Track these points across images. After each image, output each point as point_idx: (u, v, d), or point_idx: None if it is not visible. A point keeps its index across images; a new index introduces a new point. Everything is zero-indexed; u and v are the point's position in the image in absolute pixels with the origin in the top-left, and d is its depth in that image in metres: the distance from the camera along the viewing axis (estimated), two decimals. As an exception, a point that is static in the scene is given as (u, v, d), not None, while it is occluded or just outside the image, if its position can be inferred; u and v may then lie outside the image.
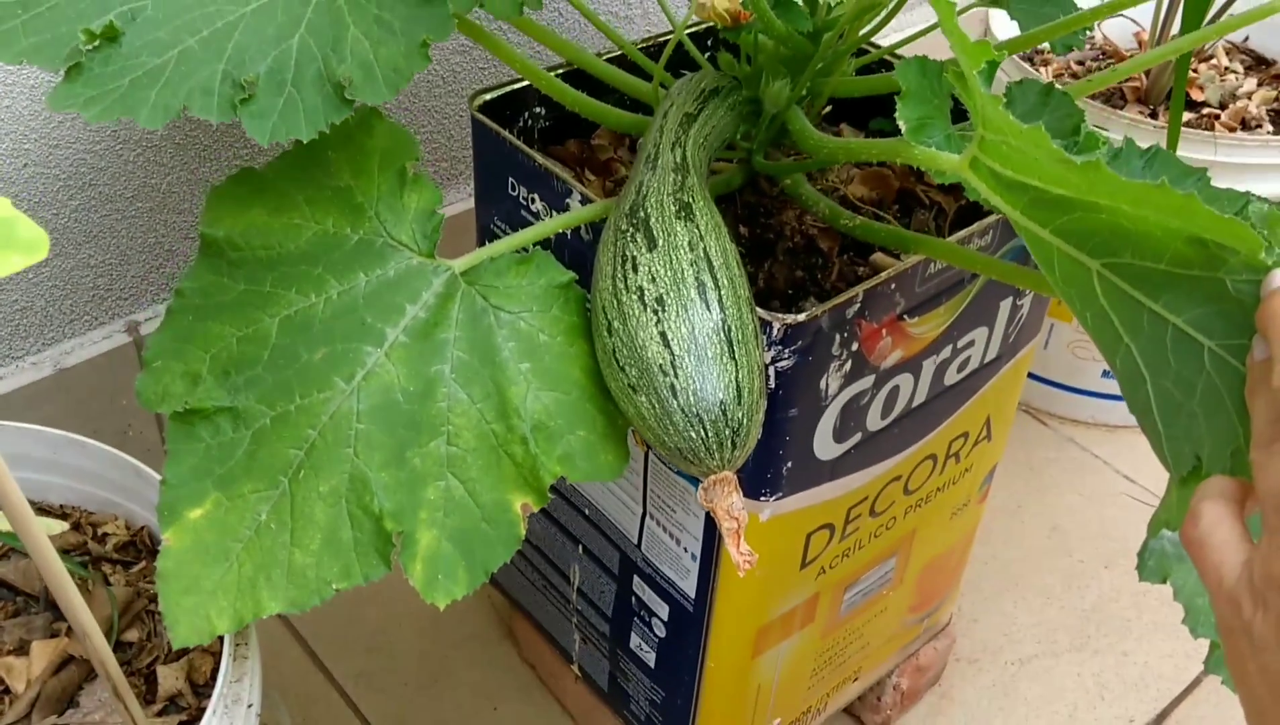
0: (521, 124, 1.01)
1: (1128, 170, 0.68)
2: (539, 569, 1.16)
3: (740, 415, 0.68)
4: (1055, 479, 1.53)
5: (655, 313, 0.69)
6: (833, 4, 0.87)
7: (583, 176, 1.01)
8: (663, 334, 0.69)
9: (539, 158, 0.89)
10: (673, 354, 0.68)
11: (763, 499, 0.86)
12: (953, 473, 1.04)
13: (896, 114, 0.73)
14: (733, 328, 0.70)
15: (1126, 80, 1.49)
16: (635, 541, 0.98)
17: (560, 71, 1.01)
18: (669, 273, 0.70)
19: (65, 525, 0.81)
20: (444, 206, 1.40)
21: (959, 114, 0.79)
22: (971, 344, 0.94)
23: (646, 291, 0.70)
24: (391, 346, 0.70)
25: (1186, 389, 0.59)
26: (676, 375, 0.68)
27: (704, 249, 0.71)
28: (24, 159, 1.09)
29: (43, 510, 0.93)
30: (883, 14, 0.87)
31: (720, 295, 0.70)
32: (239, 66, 0.67)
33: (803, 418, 0.83)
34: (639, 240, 0.72)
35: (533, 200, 0.92)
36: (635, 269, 0.71)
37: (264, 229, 0.72)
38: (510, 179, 0.93)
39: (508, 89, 0.97)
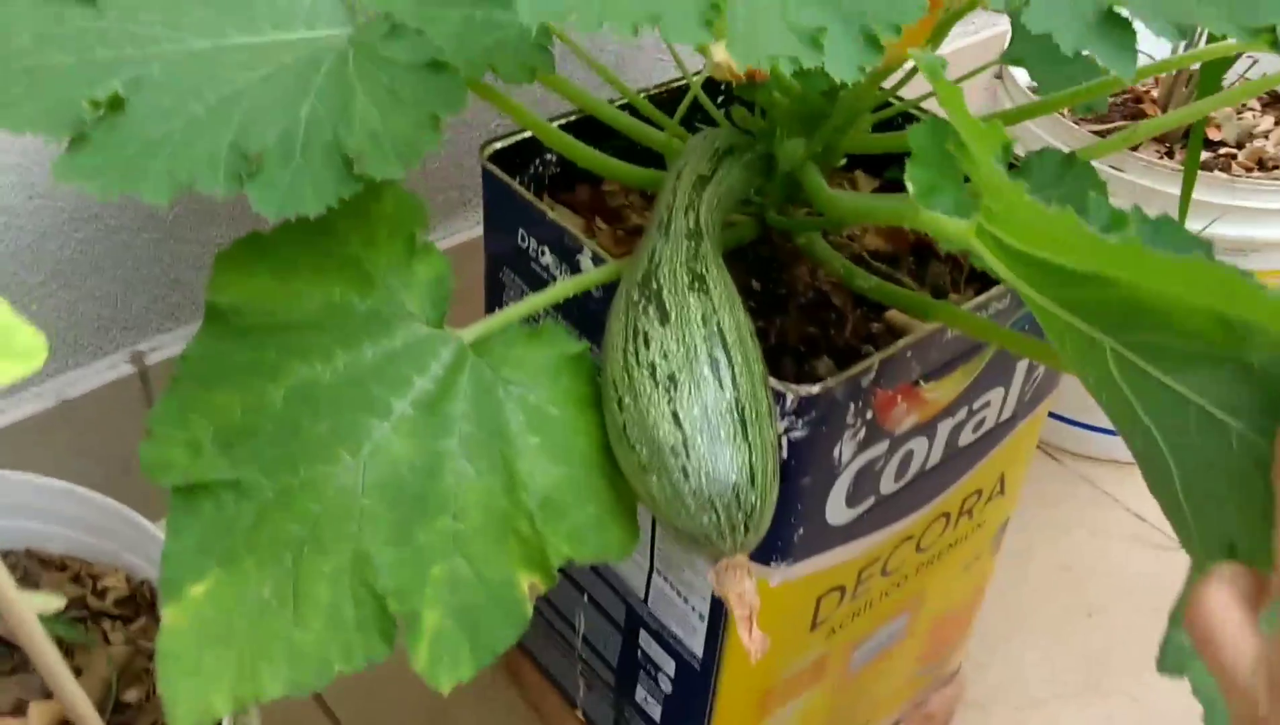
0: (532, 170, 0.99)
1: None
2: (544, 613, 1.14)
3: (754, 499, 0.67)
4: (1066, 517, 1.51)
5: (667, 391, 0.68)
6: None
7: (593, 225, 1.00)
8: (674, 414, 0.67)
9: (550, 212, 0.88)
10: (685, 435, 0.67)
11: (773, 565, 0.84)
12: (965, 529, 1.03)
13: (905, 176, 0.72)
14: (746, 407, 0.68)
15: (1144, 118, 1.48)
16: (641, 596, 0.97)
17: (572, 118, 1.00)
18: (681, 349, 0.69)
19: (59, 603, 0.80)
20: (453, 235, 1.39)
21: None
22: (987, 405, 0.93)
23: (659, 368, 0.68)
24: (398, 420, 0.69)
25: (1214, 473, 0.58)
26: (688, 457, 0.67)
27: (717, 323, 0.70)
28: (29, 191, 1.08)
29: (43, 562, 0.92)
30: (903, 72, 0.86)
31: (734, 372, 0.69)
32: (247, 136, 0.66)
33: (815, 486, 0.82)
34: (651, 313, 0.71)
35: (542, 252, 0.90)
36: (647, 344, 0.69)
37: (270, 296, 0.71)
38: (520, 230, 0.92)
39: (518, 137, 0.96)
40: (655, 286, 0.72)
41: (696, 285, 0.72)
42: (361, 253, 0.71)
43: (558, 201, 1.01)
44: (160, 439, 0.70)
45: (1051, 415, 1.56)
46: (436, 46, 0.67)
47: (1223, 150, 1.45)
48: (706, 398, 0.68)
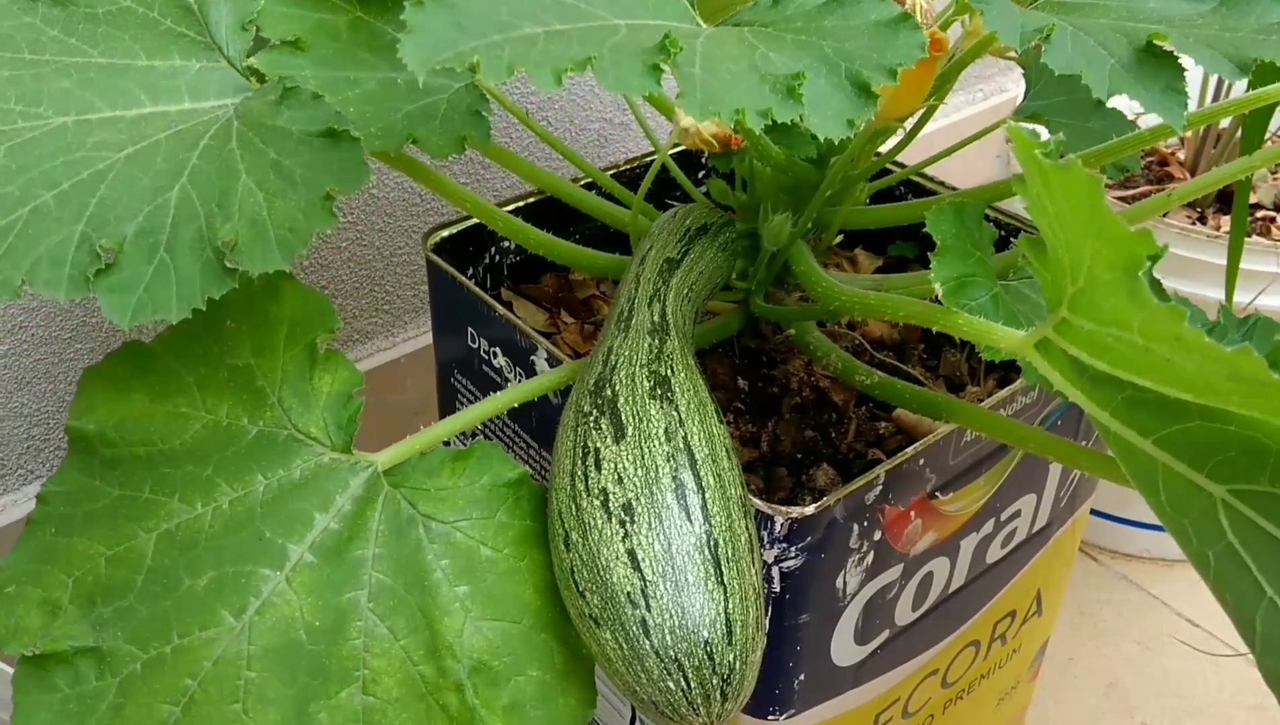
0: (488, 260, 0.88)
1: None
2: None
3: (731, 658, 0.54)
4: (1110, 624, 1.36)
5: (623, 525, 0.55)
6: (842, 123, 0.74)
7: (558, 319, 0.88)
8: (631, 553, 0.54)
9: (499, 308, 0.76)
10: (644, 579, 0.54)
11: (771, 719, 0.71)
12: (998, 656, 0.89)
13: (931, 274, 0.60)
14: (720, 542, 0.55)
15: (1169, 182, 1.36)
16: (625, 746, 0.83)
17: (532, 200, 0.88)
18: (639, 471, 0.56)
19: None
20: (414, 336, 1.28)
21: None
22: (1017, 515, 0.79)
23: (612, 496, 0.56)
24: (294, 569, 0.56)
25: None
26: (649, 607, 0.53)
27: (684, 438, 0.57)
28: (-67, 304, 0.97)
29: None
30: (902, 135, 0.74)
31: (704, 498, 0.56)
32: (101, 227, 0.54)
33: (816, 623, 0.68)
34: (604, 427, 0.58)
35: (494, 354, 0.78)
36: (599, 466, 0.57)
37: (144, 420, 0.59)
38: (470, 329, 0.80)
39: (470, 222, 0.84)
40: (610, 394, 0.59)
41: (659, 392, 0.59)
42: (254, 363, 0.59)
43: (519, 293, 0.89)
44: (10, 599, 0.57)
45: (1090, 511, 1.42)
46: (334, 114, 0.56)
47: (1260, 214, 1.32)
48: (670, 532, 0.55)
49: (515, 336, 0.75)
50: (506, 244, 0.88)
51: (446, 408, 0.87)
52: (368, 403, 1.24)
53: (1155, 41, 0.53)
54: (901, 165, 0.86)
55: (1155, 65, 0.53)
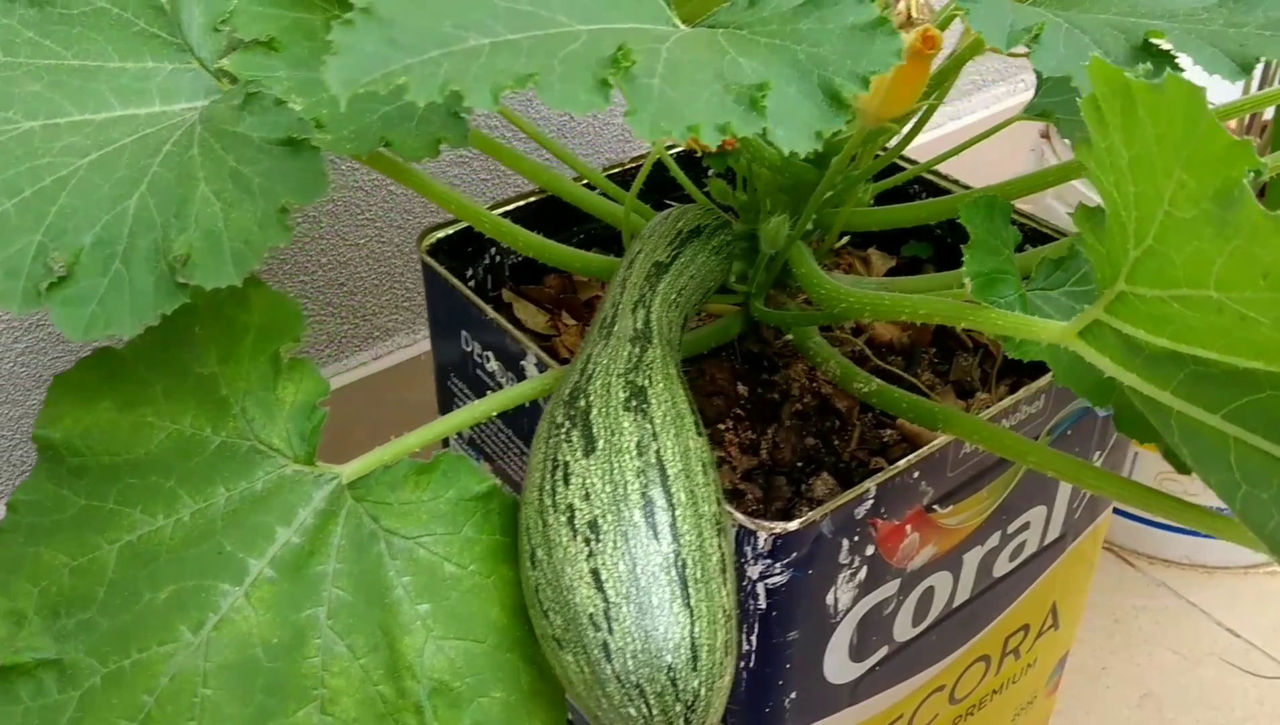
0: (488, 260, 0.86)
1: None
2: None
3: (696, 684, 0.52)
4: (1145, 632, 1.32)
5: (587, 543, 0.53)
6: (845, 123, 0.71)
7: (560, 321, 0.86)
8: (595, 573, 0.52)
9: (489, 311, 0.74)
10: (607, 601, 0.52)
11: (760, 737, 0.69)
12: (1012, 671, 0.86)
13: (964, 270, 0.58)
14: (689, 562, 0.53)
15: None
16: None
17: (534, 199, 0.87)
18: (608, 487, 0.54)
19: None
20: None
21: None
22: (1026, 527, 0.76)
23: (578, 512, 0.54)
24: (254, 584, 0.55)
25: None
26: (611, 630, 0.52)
27: (656, 452, 0.55)
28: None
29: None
30: (904, 131, 0.71)
31: (674, 517, 0.54)
32: (59, 237, 0.53)
33: (807, 641, 0.66)
34: (575, 440, 0.56)
35: (487, 358, 0.77)
36: (567, 480, 0.55)
37: (110, 429, 0.58)
38: (464, 332, 0.78)
39: (465, 223, 0.82)
40: (583, 405, 0.57)
41: (634, 403, 0.57)
42: (219, 372, 0.58)
43: (520, 295, 0.87)
44: (-24, 608, 0.57)
45: (1125, 514, 1.37)
46: (296, 121, 0.54)
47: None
48: (636, 552, 0.53)
49: (506, 340, 0.73)
50: (506, 245, 0.86)
51: (446, 412, 0.86)
52: (388, 401, 1.23)
53: (1152, 39, 0.50)
54: (913, 162, 0.83)
55: (1150, 64, 0.50)
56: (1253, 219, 0.38)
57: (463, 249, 0.84)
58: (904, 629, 0.72)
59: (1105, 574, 1.37)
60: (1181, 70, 0.50)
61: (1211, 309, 0.42)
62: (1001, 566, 0.77)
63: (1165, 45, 0.50)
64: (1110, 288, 0.47)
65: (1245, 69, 0.48)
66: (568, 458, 0.56)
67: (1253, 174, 0.38)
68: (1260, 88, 1.25)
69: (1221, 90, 0.64)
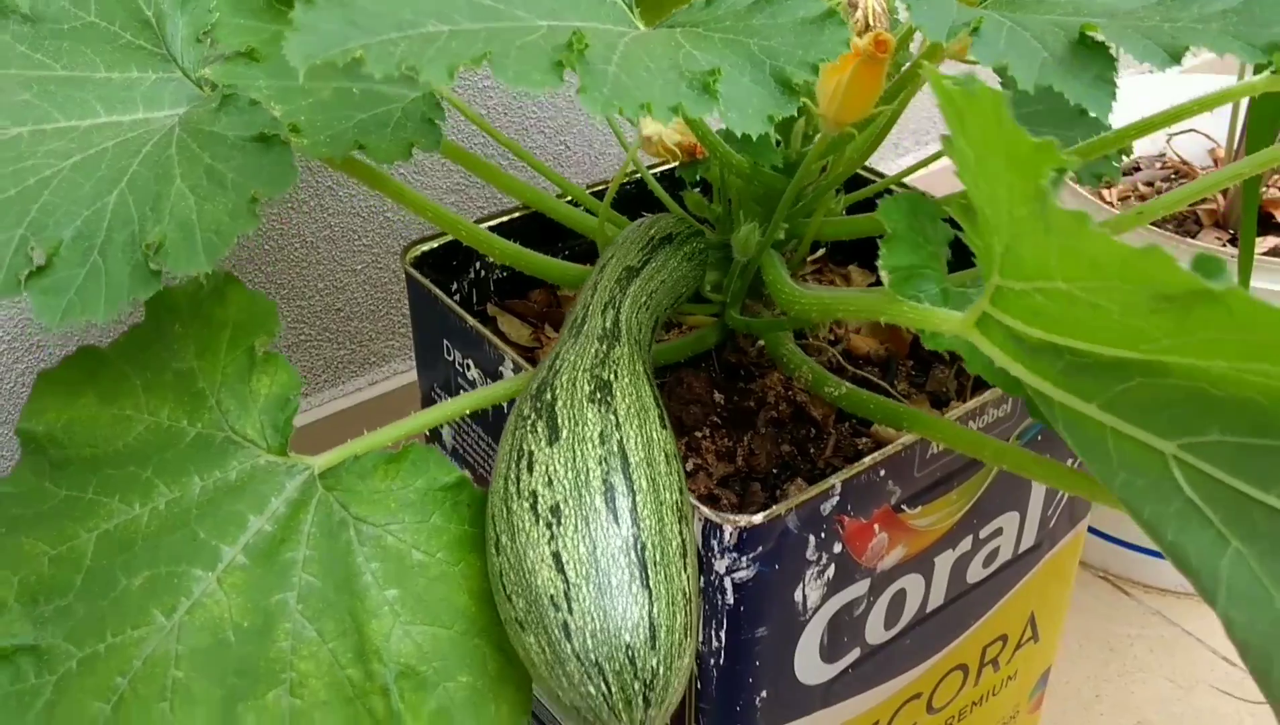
0: (473, 275, 0.88)
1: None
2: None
3: (654, 663, 0.53)
4: (1139, 660, 1.31)
5: (549, 527, 0.54)
6: (810, 133, 0.73)
7: (542, 334, 0.87)
8: (556, 555, 0.54)
9: (469, 319, 0.76)
10: (567, 582, 0.53)
11: (732, 736, 0.69)
12: (991, 683, 0.86)
13: (880, 262, 0.59)
14: (648, 545, 0.54)
15: (1201, 203, 1.32)
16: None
17: (518, 215, 0.89)
18: (570, 473, 0.55)
19: None
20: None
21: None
22: (999, 533, 0.77)
23: (540, 498, 0.55)
24: (226, 569, 0.56)
25: None
26: (570, 610, 0.53)
27: (619, 441, 0.57)
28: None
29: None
30: (867, 141, 0.73)
31: (634, 502, 0.55)
32: (41, 230, 0.55)
33: (776, 637, 0.67)
34: (540, 430, 0.58)
35: (468, 367, 0.78)
36: (530, 468, 0.56)
37: (91, 422, 0.60)
38: (445, 342, 0.80)
39: (450, 238, 0.85)
40: (549, 398, 0.59)
41: (599, 395, 0.59)
42: (196, 366, 0.60)
43: (505, 309, 0.89)
44: (-42, 596, 0.58)
45: (1115, 541, 1.37)
46: (269, 118, 0.56)
47: (1291, 233, 1.28)
48: (596, 535, 0.54)
49: (485, 348, 0.75)
50: (490, 260, 0.88)
51: (430, 423, 0.87)
52: (384, 426, 1.24)
53: (1088, 33, 0.52)
54: (880, 174, 0.85)
55: (1087, 56, 0.51)
56: (1061, 219, 0.40)
57: (448, 263, 0.86)
58: (876, 632, 0.73)
59: (1100, 602, 1.37)
60: (1115, 61, 0.51)
61: (1065, 300, 0.43)
62: (975, 572, 0.78)
63: (1100, 38, 0.52)
64: (989, 282, 0.48)
65: (1175, 58, 0.50)
66: (532, 447, 0.57)
67: (1068, 173, 0.40)
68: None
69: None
